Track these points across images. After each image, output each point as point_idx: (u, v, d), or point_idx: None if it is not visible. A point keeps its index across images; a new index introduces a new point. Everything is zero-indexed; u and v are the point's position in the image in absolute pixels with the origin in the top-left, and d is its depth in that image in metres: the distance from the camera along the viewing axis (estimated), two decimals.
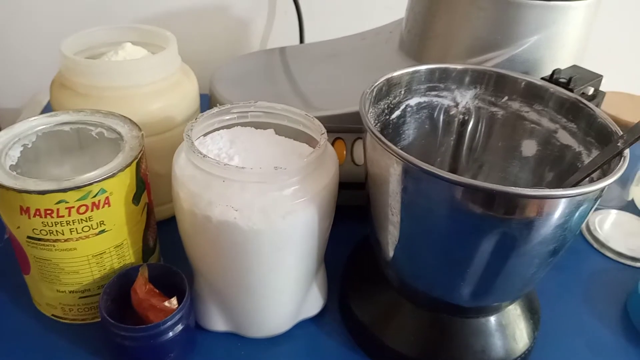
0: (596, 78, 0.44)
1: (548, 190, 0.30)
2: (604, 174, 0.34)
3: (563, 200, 0.30)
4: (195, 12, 0.79)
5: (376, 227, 0.40)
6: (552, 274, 0.47)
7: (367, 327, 0.43)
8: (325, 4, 0.79)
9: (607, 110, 0.50)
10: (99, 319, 0.41)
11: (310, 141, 0.42)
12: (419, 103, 0.44)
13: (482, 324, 0.41)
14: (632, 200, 0.62)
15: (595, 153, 0.38)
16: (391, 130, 0.43)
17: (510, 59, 0.47)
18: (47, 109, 0.75)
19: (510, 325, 0.42)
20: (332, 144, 0.50)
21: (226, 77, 0.56)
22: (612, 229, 0.57)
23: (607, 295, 0.50)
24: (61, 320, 0.44)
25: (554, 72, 0.43)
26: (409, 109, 0.44)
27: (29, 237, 0.38)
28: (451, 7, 0.49)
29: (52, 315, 0.44)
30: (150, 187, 0.43)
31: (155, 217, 0.46)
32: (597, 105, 0.44)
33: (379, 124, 0.42)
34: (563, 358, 0.44)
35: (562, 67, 0.46)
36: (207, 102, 0.56)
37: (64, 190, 0.36)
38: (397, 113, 0.43)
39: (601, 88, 0.46)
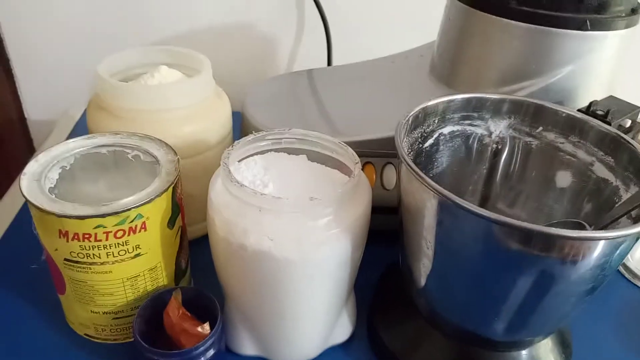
0: (634, 110, 0.43)
1: (588, 232, 0.29)
2: None
3: (603, 241, 0.30)
4: (222, 31, 0.80)
5: (408, 256, 0.40)
6: (584, 306, 0.46)
7: (396, 356, 0.43)
8: (355, 24, 0.79)
9: None
10: (131, 339, 0.42)
11: (341, 167, 0.42)
12: (452, 132, 0.44)
13: (513, 358, 0.40)
14: None
15: (634, 189, 0.37)
16: (424, 159, 0.43)
17: (545, 88, 0.47)
18: (80, 123, 0.77)
19: None
20: (362, 169, 0.50)
21: (257, 100, 0.56)
22: None
23: None
24: (93, 339, 0.44)
25: (591, 104, 0.42)
26: (442, 137, 0.44)
27: (66, 260, 0.39)
28: (485, 35, 0.49)
29: (85, 334, 0.44)
30: (184, 210, 0.44)
31: (187, 239, 0.46)
32: (634, 137, 0.44)
33: (412, 153, 0.42)
34: None
35: (597, 97, 0.45)
36: (237, 120, 0.56)
37: (103, 216, 0.37)
38: (430, 141, 0.43)
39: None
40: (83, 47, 0.79)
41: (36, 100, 0.85)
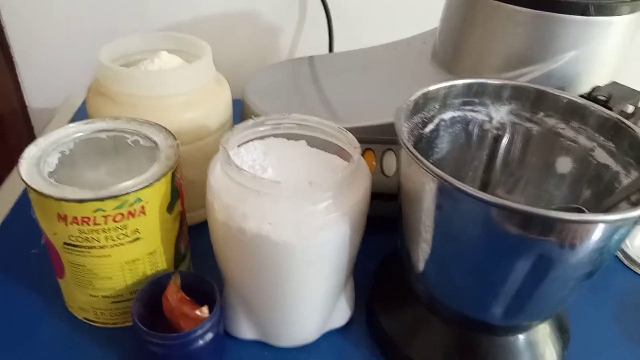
0: (636, 96, 0.43)
1: (586, 215, 0.29)
2: None
3: (601, 225, 0.30)
4: (223, 20, 0.79)
5: (407, 241, 0.40)
6: (582, 291, 0.46)
7: (394, 340, 0.43)
8: (356, 12, 0.79)
9: None
10: (130, 323, 0.42)
11: (341, 152, 0.42)
12: (453, 117, 0.44)
13: (511, 342, 0.40)
14: None
15: (634, 174, 0.37)
16: (424, 144, 0.43)
17: (547, 74, 0.46)
18: (81, 110, 0.77)
19: (540, 344, 0.41)
20: (362, 155, 0.50)
21: (258, 88, 0.56)
22: None
23: (639, 314, 0.49)
24: (93, 323, 0.44)
25: (593, 89, 0.42)
26: (442, 123, 0.44)
27: (65, 243, 0.39)
28: (487, 21, 0.48)
29: (84, 318, 0.45)
30: (183, 195, 0.44)
31: (187, 224, 0.46)
32: (636, 123, 0.43)
33: (412, 138, 0.41)
34: None
35: (600, 83, 0.45)
36: (238, 107, 0.56)
37: (101, 199, 0.37)
38: (430, 127, 0.43)
39: None
40: (84, 36, 0.79)
41: (38, 90, 0.85)
